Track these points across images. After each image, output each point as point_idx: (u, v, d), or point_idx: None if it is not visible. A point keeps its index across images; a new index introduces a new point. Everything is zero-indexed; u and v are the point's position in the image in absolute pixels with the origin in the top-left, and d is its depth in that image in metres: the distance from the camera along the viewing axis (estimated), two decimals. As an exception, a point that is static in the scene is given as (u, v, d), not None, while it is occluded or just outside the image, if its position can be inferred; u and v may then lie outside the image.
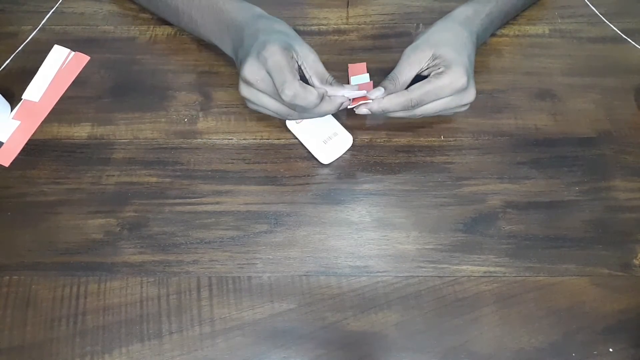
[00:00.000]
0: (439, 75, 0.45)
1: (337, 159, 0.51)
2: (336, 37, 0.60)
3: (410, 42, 0.49)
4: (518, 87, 0.56)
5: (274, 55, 0.42)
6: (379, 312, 0.45)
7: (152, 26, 0.60)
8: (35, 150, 0.52)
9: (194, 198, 0.50)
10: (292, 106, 0.44)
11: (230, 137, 0.53)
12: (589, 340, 0.43)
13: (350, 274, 0.46)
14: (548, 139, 0.53)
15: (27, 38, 0.60)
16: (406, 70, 0.46)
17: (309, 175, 0.51)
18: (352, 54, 0.58)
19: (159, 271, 0.46)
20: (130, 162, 0.52)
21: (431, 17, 0.60)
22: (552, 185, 0.50)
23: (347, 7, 0.62)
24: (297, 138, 0.52)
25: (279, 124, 0.53)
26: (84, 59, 0.58)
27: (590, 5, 0.62)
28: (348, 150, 0.51)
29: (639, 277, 0.46)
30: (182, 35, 0.60)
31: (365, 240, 0.48)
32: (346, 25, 0.61)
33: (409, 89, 0.45)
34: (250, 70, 0.43)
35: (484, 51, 0.58)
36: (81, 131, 0.53)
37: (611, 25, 0.60)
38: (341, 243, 0.48)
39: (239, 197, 0.50)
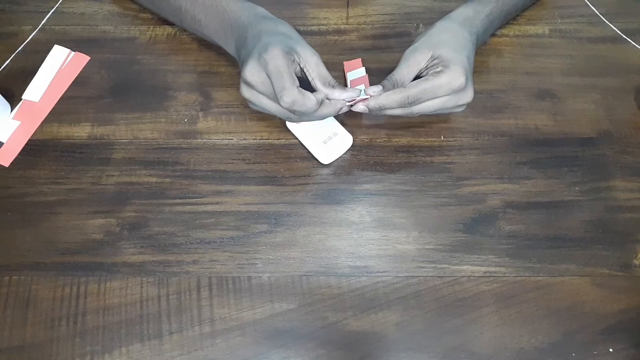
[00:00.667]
0: (437, 74, 0.45)
1: (337, 159, 0.51)
2: (336, 37, 0.60)
3: (410, 42, 0.49)
4: (518, 87, 0.56)
5: (275, 59, 0.42)
6: (379, 312, 0.45)
7: (152, 26, 0.60)
8: (35, 150, 0.52)
9: (194, 198, 0.50)
10: (291, 111, 0.44)
11: (230, 137, 0.53)
12: (589, 340, 0.43)
13: (350, 274, 0.46)
14: (548, 139, 0.53)
15: (27, 38, 0.60)
16: (405, 72, 0.47)
17: (309, 175, 0.51)
18: (352, 54, 0.58)
19: (159, 271, 0.46)
20: (130, 162, 0.52)
21: (431, 17, 0.60)
22: (552, 185, 0.50)
23: (347, 7, 0.62)
24: (297, 138, 0.52)
25: (279, 124, 0.53)
26: (84, 59, 0.58)
27: (590, 5, 0.62)
28: (348, 150, 0.51)
29: (639, 277, 0.46)
30: (182, 35, 0.60)
31: (365, 240, 0.48)
32: (346, 25, 0.61)
33: (407, 86, 0.45)
34: (251, 72, 0.43)
35: (484, 51, 0.58)
36: (81, 131, 0.53)
37: (611, 25, 0.60)
38: (341, 243, 0.48)
39: (239, 197, 0.50)
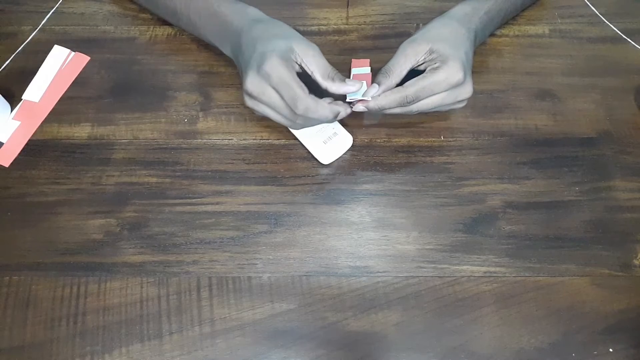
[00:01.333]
0: (435, 71, 0.45)
1: (337, 159, 0.51)
2: (336, 37, 0.60)
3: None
4: (518, 87, 0.56)
5: (276, 69, 0.42)
6: (379, 312, 0.45)
7: (152, 26, 0.60)
8: (35, 150, 0.52)
9: (194, 198, 0.50)
10: (303, 118, 0.44)
11: (230, 137, 0.53)
12: (589, 340, 0.43)
13: (351, 274, 0.46)
14: (548, 139, 0.53)
15: (27, 38, 0.60)
16: (401, 62, 0.46)
17: (309, 176, 0.51)
18: (352, 54, 0.58)
19: (159, 271, 0.46)
20: (130, 163, 0.52)
21: (431, 17, 0.59)
22: (552, 185, 0.50)
23: (347, 7, 0.62)
24: (297, 138, 0.52)
25: (279, 124, 0.53)
26: (84, 59, 0.58)
27: (590, 5, 0.62)
28: (348, 150, 0.51)
29: (639, 277, 0.46)
30: (182, 35, 0.60)
31: (365, 240, 0.48)
32: (346, 26, 0.61)
33: (404, 85, 0.45)
34: (252, 84, 0.44)
35: (483, 51, 0.58)
36: (81, 131, 0.53)
37: (611, 26, 0.60)
38: (341, 243, 0.48)
39: (239, 198, 0.50)
